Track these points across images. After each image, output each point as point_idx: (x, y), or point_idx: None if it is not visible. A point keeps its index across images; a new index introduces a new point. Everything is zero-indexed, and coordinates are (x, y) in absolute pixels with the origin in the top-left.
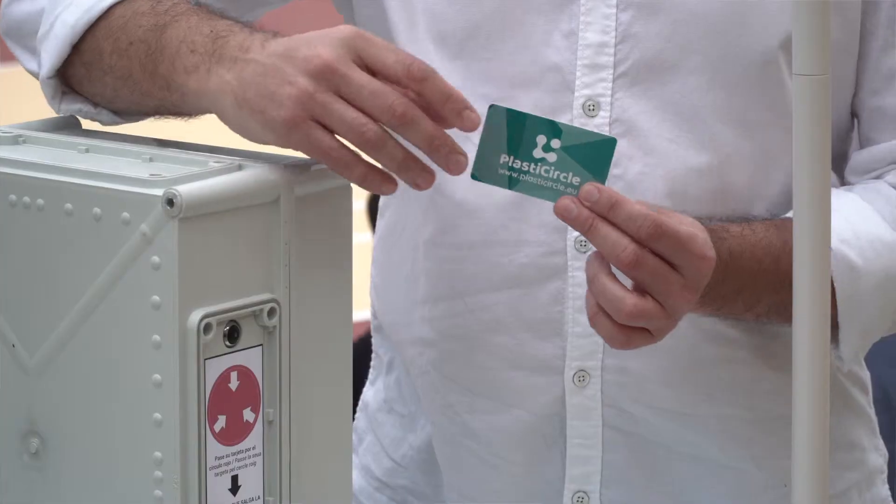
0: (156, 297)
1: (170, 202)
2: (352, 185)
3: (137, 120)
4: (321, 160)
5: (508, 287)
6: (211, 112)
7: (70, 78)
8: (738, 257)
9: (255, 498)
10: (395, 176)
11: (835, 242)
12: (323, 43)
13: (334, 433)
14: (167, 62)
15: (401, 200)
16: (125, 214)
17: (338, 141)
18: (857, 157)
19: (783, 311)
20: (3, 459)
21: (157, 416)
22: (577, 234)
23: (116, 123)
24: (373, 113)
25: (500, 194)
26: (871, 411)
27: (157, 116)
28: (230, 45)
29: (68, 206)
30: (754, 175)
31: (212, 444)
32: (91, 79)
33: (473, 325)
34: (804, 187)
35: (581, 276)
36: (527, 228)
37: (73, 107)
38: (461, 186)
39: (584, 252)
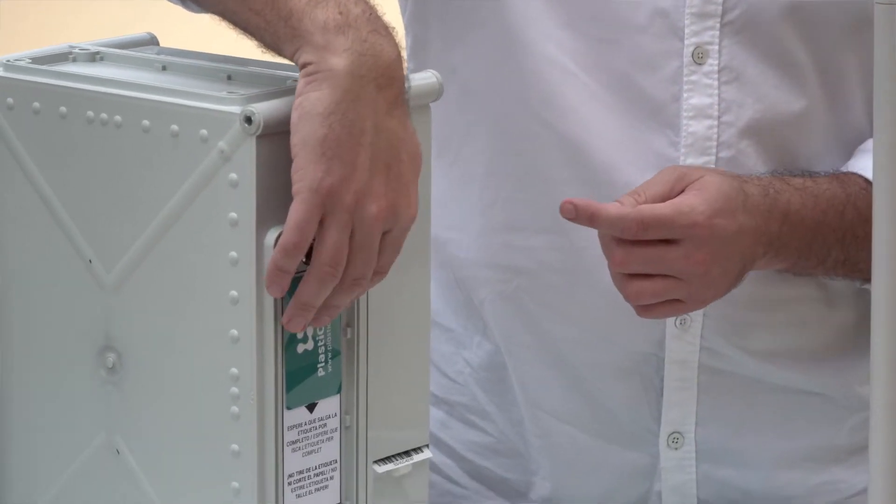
0: (233, 214)
1: (247, 120)
2: (430, 105)
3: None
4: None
5: None
6: (294, 61)
7: None
8: (800, 209)
9: (332, 415)
10: None
11: None
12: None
13: (413, 350)
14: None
15: (458, 119)
16: (203, 132)
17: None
18: None
19: (850, 266)
20: (80, 374)
21: (234, 332)
22: None
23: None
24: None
25: (610, 133)
26: None
27: (232, 26)
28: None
29: (146, 122)
30: (841, 129)
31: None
32: None
33: (581, 260)
34: (884, 120)
35: None
36: (636, 171)
37: None
38: (571, 122)
39: None
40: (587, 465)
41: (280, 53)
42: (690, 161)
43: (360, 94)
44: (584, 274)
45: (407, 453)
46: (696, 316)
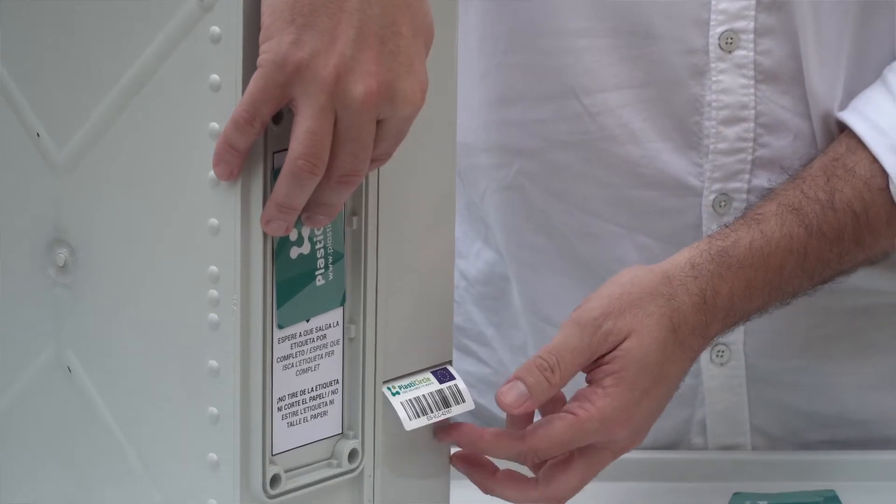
0: (215, 77)
1: None
2: None
3: None
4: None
5: (636, 87)
6: None
7: None
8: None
9: (334, 325)
10: None
11: None
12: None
13: (434, 244)
14: None
15: None
16: None
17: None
18: None
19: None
20: (25, 275)
21: (214, 221)
22: (721, 29)
23: None
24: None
25: None
26: None
27: None
28: None
29: None
30: None
31: None
32: None
33: (592, 130)
34: None
35: (725, 82)
36: (660, 20)
37: None
38: None
39: (731, 52)
40: None
41: None
42: (724, 6)
43: None
44: (598, 145)
45: (426, 377)
46: (739, 195)
